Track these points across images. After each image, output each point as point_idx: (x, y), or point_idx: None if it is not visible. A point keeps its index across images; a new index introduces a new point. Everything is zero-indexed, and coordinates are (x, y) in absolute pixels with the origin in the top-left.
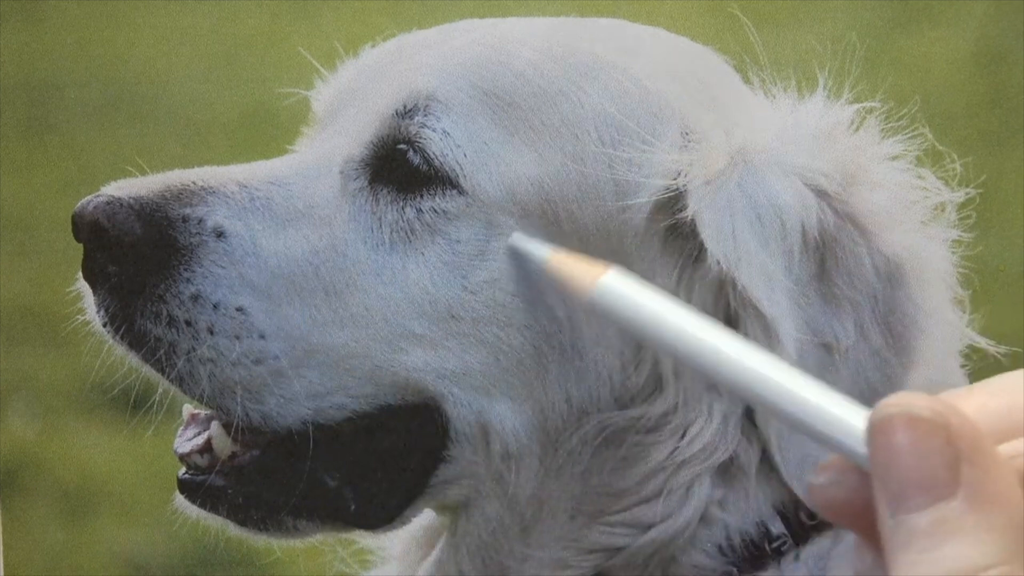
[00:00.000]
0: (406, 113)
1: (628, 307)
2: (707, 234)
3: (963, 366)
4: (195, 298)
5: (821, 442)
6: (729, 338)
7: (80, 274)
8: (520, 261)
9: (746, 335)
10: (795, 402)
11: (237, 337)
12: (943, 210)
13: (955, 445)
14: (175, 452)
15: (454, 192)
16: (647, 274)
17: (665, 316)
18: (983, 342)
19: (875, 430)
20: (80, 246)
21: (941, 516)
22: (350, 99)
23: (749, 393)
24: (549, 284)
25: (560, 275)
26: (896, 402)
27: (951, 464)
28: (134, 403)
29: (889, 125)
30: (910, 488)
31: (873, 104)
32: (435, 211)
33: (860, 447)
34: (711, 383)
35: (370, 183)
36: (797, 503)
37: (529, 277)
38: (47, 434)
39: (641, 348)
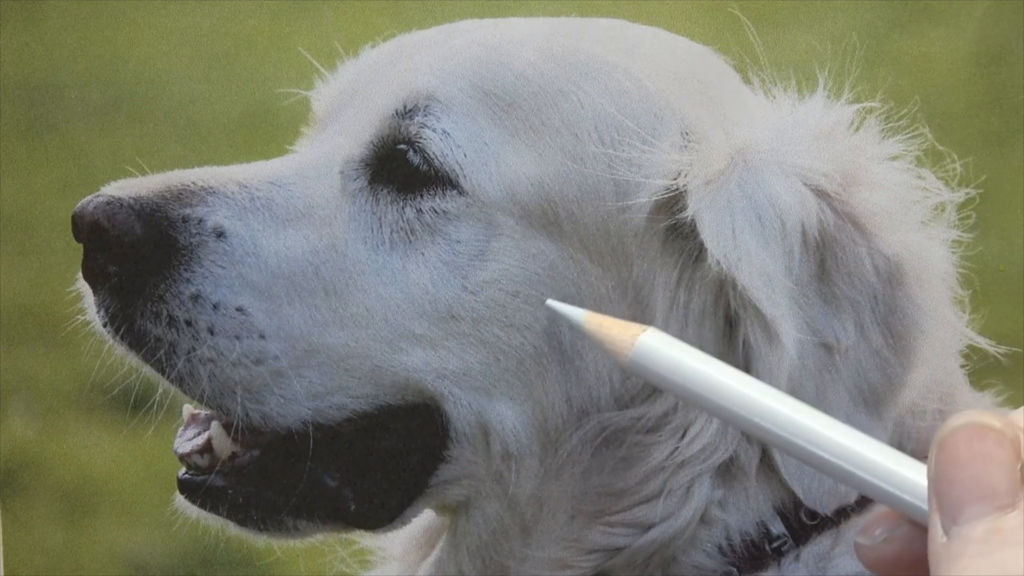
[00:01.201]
0: (406, 113)
1: (666, 367)
2: (707, 234)
3: (963, 366)
4: (195, 298)
5: (876, 497)
6: (772, 395)
7: (80, 274)
8: (556, 322)
9: (746, 335)
10: (845, 458)
11: (237, 337)
12: (943, 210)
13: (1021, 457)
14: (175, 452)
15: (454, 192)
16: (647, 274)
17: (705, 375)
18: (983, 342)
19: (941, 444)
20: (80, 246)
21: (997, 526)
22: (350, 99)
23: (796, 450)
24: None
25: (597, 336)
26: (964, 415)
27: (1014, 476)
28: (134, 403)
29: (889, 125)
30: (969, 499)
31: (873, 104)
32: (435, 211)
33: (914, 498)
34: (758, 441)
35: (370, 183)
36: (797, 503)
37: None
38: (47, 434)
39: None
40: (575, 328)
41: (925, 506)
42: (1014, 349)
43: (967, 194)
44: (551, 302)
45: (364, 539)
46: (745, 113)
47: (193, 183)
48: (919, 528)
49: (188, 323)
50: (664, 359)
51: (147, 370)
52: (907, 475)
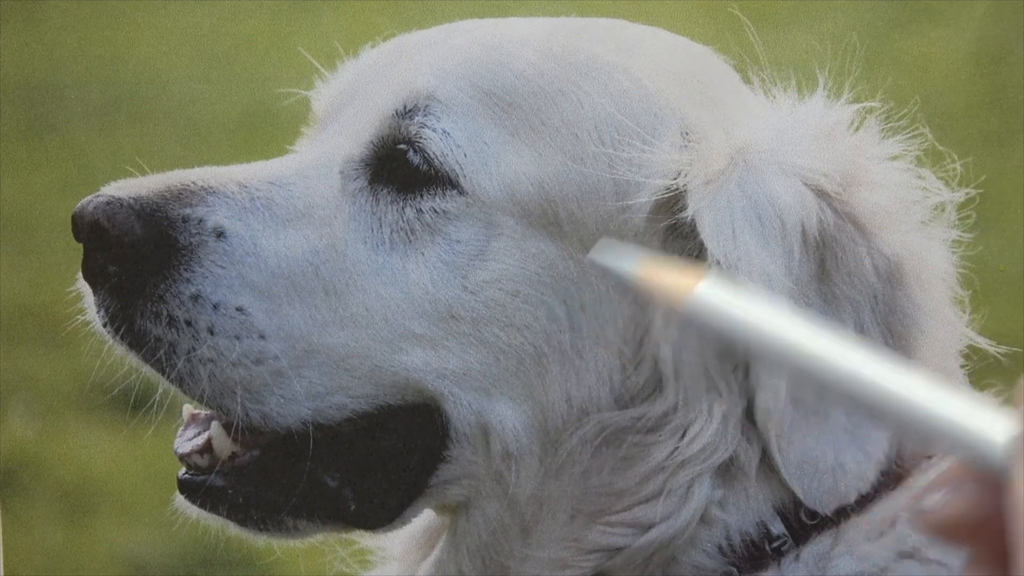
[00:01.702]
0: (406, 113)
1: (725, 316)
2: (707, 234)
3: (963, 366)
4: (195, 298)
5: (945, 447)
6: (834, 343)
7: (80, 274)
8: (606, 271)
9: None
10: (914, 407)
11: (237, 337)
12: (943, 210)
13: None
14: (175, 452)
15: (454, 192)
16: None
17: (764, 324)
18: (983, 342)
19: None
20: (80, 246)
21: None
22: (350, 99)
23: (859, 399)
24: (639, 294)
25: (652, 286)
26: None
27: None
28: (134, 403)
29: (889, 125)
30: None
31: (873, 104)
32: (435, 211)
33: (988, 449)
34: (817, 389)
35: (370, 183)
36: (797, 503)
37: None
38: (47, 434)
39: (641, 348)
40: (625, 280)
41: (999, 459)
42: (1014, 349)
43: (967, 194)
44: (596, 255)
45: (364, 539)
46: (745, 113)
47: (193, 183)
48: (987, 483)
49: (188, 323)
50: (722, 310)
51: (147, 370)
52: (978, 425)
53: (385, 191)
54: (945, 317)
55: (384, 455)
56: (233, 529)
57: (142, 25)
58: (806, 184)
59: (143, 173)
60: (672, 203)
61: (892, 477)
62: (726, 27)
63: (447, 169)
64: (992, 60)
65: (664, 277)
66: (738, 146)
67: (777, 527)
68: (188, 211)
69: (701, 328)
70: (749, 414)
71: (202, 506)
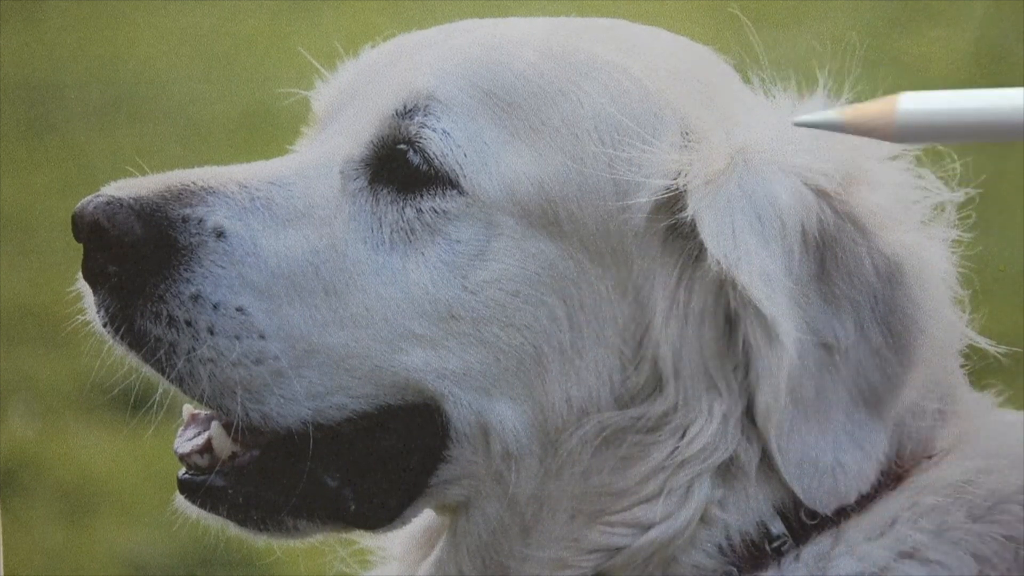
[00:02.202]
0: (406, 113)
1: (934, 125)
2: (707, 234)
3: (963, 366)
4: (195, 298)
5: None
6: None
7: (80, 274)
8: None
9: (746, 335)
10: None
11: (237, 337)
12: (943, 210)
13: None
14: (175, 452)
15: (454, 192)
16: (647, 274)
17: (973, 113)
18: (983, 342)
19: None
20: (80, 246)
21: None
22: (350, 99)
23: None
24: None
25: (860, 129)
26: None
27: None
28: (134, 403)
29: None
30: None
31: None
32: (435, 211)
33: None
34: None
35: (370, 183)
36: (797, 503)
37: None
38: (47, 434)
39: (641, 348)
40: (836, 129)
41: None
42: (1014, 349)
43: (967, 194)
44: (802, 117)
45: (364, 539)
46: (745, 113)
47: (193, 183)
48: None
49: (188, 323)
50: (929, 120)
51: (147, 370)
52: None
53: (385, 191)
54: (945, 317)
55: (384, 455)
56: (233, 529)
57: (142, 25)
58: (806, 184)
59: (143, 173)
60: (672, 203)
61: (892, 477)
62: (726, 27)
63: (447, 169)
64: (992, 60)
65: (865, 118)
66: (738, 146)
67: (777, 527)
68: (188, 211)
69: (922, 141)
70: (749, 414)
71: (202, 506)
